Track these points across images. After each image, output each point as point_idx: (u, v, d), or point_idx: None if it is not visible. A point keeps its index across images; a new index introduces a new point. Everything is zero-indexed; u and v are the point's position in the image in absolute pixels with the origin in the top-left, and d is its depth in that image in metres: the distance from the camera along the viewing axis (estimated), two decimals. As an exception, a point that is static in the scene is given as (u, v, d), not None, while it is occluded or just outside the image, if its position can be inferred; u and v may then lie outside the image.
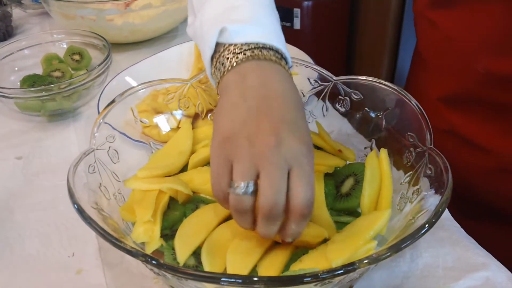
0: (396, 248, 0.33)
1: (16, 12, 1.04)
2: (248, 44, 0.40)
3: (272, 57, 0.40)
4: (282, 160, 0.35)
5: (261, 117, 0.36)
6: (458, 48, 0.55)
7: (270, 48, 0.40)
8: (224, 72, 0.40)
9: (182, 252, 0.41)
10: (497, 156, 0.56)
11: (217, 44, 0.41)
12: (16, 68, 0.77)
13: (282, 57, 0.41)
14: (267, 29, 0.42)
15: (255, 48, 0.40)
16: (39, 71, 0.76)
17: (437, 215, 0.36)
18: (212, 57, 0.42)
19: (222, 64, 0.40)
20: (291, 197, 0.35)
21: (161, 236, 0.43)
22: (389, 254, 0.33)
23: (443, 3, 0.55)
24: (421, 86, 0.63)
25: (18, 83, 0.72)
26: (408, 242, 0.33)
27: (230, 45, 0.40)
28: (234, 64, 0.40)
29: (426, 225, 0.35)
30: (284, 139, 0.35)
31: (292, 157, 0.35)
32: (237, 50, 0.40)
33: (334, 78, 0.53)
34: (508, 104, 0.53)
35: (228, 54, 0.40)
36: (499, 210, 0.59)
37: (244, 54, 0.39)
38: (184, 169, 0.51)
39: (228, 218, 0.44)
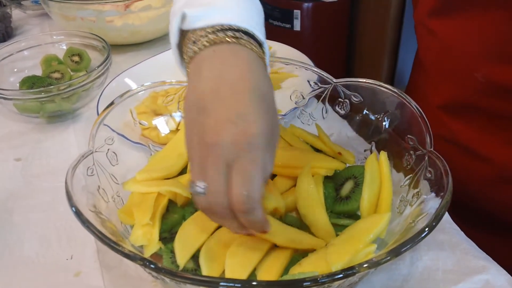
0: (396, 252, 0.33)
1: (16, 13, 1.04)
2: (204, 28, 0.38)
3: (228, 38, 0.37)
4: (219, 160, 0.34)
5: (207, 115, 0.35)
6: (457, 56, 0.54)
7: (229, 29, 0.38)
8: (187, 65, 0.39)
9: (182, 255, 0.41)
10: (498, 165, 0.55)
11: (185, 33, 0.40)
12: (15, 69, 0.77)
13: (247, 34, 0.39)
14: (228, 11, 0.39)
15: (211, 32, 0.38)
16: (38, 72, 0.76)
17: (437, 218, 0.35)
18: (182, 48, 0.41)
19: (187, 54, 0.39)
20: (228, 195, 0.35)
21: (159, 239, 0.43)
22: (389, 258, 0.33)
23: (442, 12, 0.54)
24: (422, 92, 0.63)
25: (17, 85, 0.72)
26: (408, 246, 0.33)
27: (191, 33, 0.39)
28: (192, 54, 0.38)
29: (426, 229, 0.34)
30: (224, 137, 0.34)
31: (230, 154, 0.34)
32: (196, 37, 0.38)
33: (334, 80, 0.53)
34: (508, 114, 0.52)
35: (189, 43, 0.39)
36: (499, 218, 0.59)
37: (200, 40, 0.38)
38: (183, 171, 0.51)
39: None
